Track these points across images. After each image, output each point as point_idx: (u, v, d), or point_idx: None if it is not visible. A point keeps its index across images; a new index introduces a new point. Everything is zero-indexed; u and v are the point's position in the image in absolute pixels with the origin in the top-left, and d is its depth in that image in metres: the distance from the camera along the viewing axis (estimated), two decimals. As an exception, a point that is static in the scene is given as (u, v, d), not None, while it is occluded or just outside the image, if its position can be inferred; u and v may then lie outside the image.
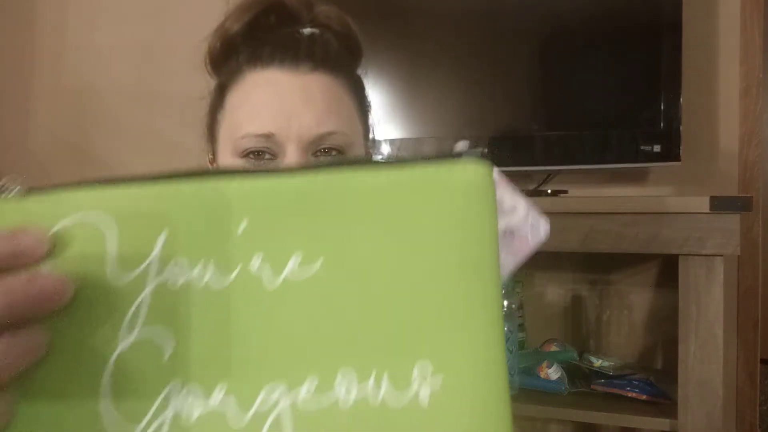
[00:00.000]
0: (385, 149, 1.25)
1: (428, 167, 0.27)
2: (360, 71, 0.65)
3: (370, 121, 0.64)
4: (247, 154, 0.56)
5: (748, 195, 0.99)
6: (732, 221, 0.92)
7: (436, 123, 1.25)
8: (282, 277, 0.27)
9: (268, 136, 0.55)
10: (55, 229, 0.26)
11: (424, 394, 0.26)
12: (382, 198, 0.27)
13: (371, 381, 0.26)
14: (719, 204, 0.92)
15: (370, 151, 0.66)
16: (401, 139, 1.25)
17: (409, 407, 0.26)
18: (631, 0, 1.15)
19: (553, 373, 1.11)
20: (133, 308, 0.26)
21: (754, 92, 1.20)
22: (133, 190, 0.27)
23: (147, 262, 0.26)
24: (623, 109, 1.16)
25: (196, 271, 0.26)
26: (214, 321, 0.26)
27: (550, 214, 1.04)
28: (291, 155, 0.54)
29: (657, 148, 1.11)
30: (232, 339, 0.26)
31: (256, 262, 0.27)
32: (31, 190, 0.26)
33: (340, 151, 0.57)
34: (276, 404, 0.26)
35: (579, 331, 1.29)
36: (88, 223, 0.26)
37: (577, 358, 1.18)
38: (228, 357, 0.26)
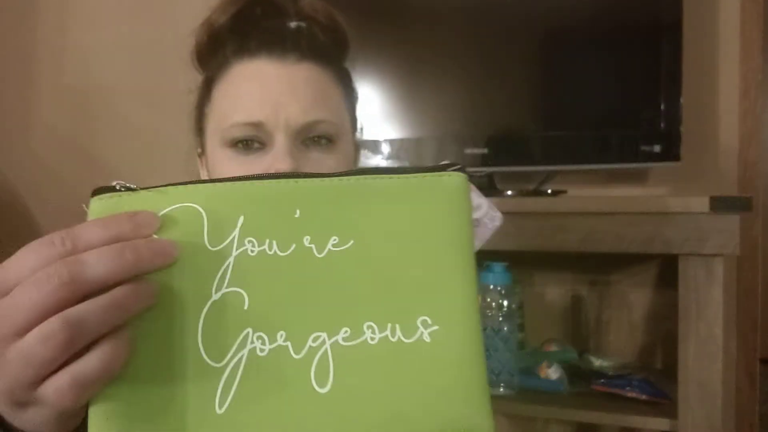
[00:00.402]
0: (385, 149, 1.25)
1: (425, 176, 0.39)
2: (347, 63, 0.65)
3: (358, 112, 0.65)
4: (236, 143, 0.56)
5: (748, 195, 0.99)
6: (732, 221, 0.92)
7: (436, 123, 1.25)
8: (326, 249, 0.37)
9: (257, 125, 0.55)
10: (162, 212, 0.35)
11: (426, 336, 0.36)
12: (394, 196, 0.38)
13: (388, 330, 0.36)
14: (719, 204, 0.92)
15: (358, 141, 0.66)
16: (401, 139, 1.25)
17: (417, 342, 0.36)
18: (631, 0, 1.16)
19: (553, 373, 1.11)
20: (221, 271, 0.35)
21: (754, 92, 1.20)
22: (219, 186, 0.37)
23: (230, 237, 0.36)
24: (623, 109, 1.16)
25: (265, 246, 0.36)
26: (279, 281, 0.36)
27: (550, 215, 1.04)
28: (279, 144, 0.55)
29: (657, 148, 1.11)
30: (290, 297, 0.36)
31: (306, 241, 0.37)
32: (139, 188, 0.35)
33: (329, 140, 0.57)
34: (320, 347, 0.35)
35: (579, 331, 1.29)
36: (187, 210, 0.35)
37: (577, 358, 1.18)
38: (286, 312, 0.36)
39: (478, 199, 0.43)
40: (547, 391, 1.10)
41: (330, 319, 0.36)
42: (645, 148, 1.12)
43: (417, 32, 1.27)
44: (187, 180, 0.37)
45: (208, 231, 0.35)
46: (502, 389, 1.08)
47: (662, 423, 0.98)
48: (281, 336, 0.35)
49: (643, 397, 1.04)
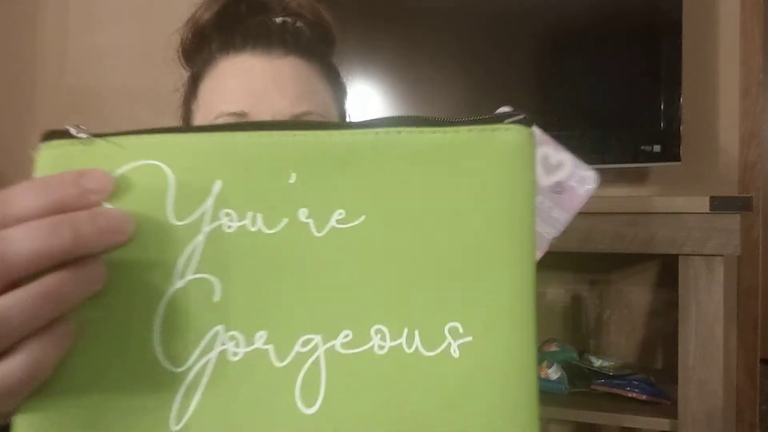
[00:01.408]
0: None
1: (470, 130, 0.28)
2: (335, 59, 0.65)
3: (346, 108, 0.64)
4: None
5: (748, 195, 0.99)
6: (732, 221, 0.92)
7: (436, 123, 1.25)
8: (329, 226, 0.28)
9: (241, 116, 0.55)
10: (118, 172, 0.27)
11: (455, 349, 0.27)
12: (424, 159, 0.28)
13: (404, 337, 0.28)
14: (719, 204, 0.92)
15: None
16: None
17: (441, 356, 0.27)
18: (631, 0, 1.16)
19: (553, 373, 1.11)
20: (187, 252, 0.27)
21: (754, 92, 1.20)
22: (192, 139, 0.28)
23: (202, 208, 0.28)
24: (623, 109, 1.16)
25: (246, 222, 0.28)
26: (262, 266, 0.28)
27: (550, 214, 1.04)
28: None
29: (657, 148, 1.11)
30: (276, 288, 0.28)
31: (302, 216, 0.28)
32: (95, 135, 0.28)
33: None
34: (311, 355, 0.27)
35: (579, 331, 1.29)
36: (148, 170, 0.28)
37: (577, 358, 1.18)
38: (269, 306, 0.28)
39: (557, 154, 0.33)
40: (547, 391, 1.10)
41: (326, 319, 0.28)
42: (645, 148, 1.12)
43: (417, 32, 1.27)
44: (155, 128, 0.29)
45: (174, 199, 0.27)
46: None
47: (662, 423, 0.98)
48: (261, 337, 0.27)
49: (643, 397, 1.04)
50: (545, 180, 0.35)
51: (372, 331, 0.28)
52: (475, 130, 0.28)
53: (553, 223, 0.37)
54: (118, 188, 0.27)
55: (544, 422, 1.29)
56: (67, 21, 1.64)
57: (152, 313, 0.27)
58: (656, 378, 1.10)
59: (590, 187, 0.33)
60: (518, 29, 1.22)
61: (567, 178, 0.33)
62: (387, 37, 1.27)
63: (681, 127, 1.10)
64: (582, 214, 1.05)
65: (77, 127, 0.28)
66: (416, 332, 0.28)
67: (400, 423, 0.27)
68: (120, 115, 1.56)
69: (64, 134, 0.28)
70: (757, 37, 1.19)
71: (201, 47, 0.61)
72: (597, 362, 1.15)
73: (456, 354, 0.27)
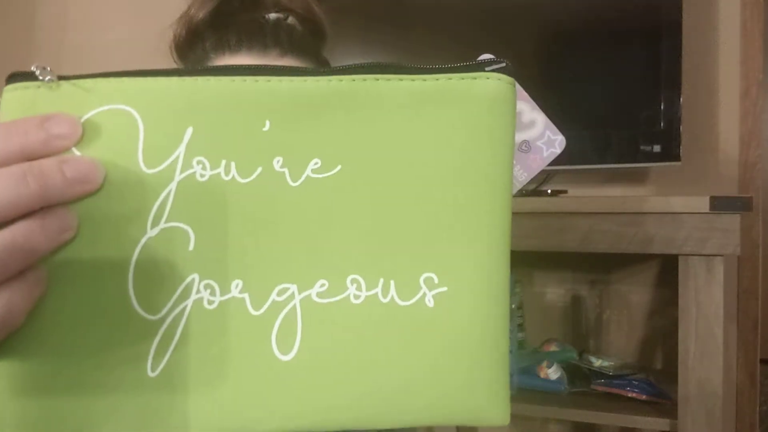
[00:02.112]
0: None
1: (450, 78, 0.28)
2: (326, 54, 0.65)
3: None
4: None
5: (748, 195, 0.99)
6: (732, 221, 0.92)
7: (436, 123, 1.25)
8: (304, 175, 0.28)
9: None
10: (85, 117, 0.26)
11: (429, 298, 0.28)
12: (403, 107, 0.28)
13: (379, 287, 0.28)
14: (719, 204, 0.92)
15: None
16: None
17: (416, 306, 0.28)
18: (631, 0, 1.15)
19: (553, 373, 1.11)
20: (159, 200, 0.27)
21: (754, 92, 1.20)
22: (162, 83, 0.27)
23: (174, 155, 0.27)
24: (623, 109, 1.16)
25: (219, 170, 0.27)
26: (237, 215, 0.27)
27: (550, 215, 1.04)
28: None
29: (657, 148, 1.11)
30: (251, 237, 0.27)
31: (276, 164, 0.28)
32: (61, 78, 0.27)
33: None
34: (287, 304, 0.27)
35: (579, 331, 1.29)
36: (117, 115, 0.27)
37: (577, 358, 1.18)
38: (245, 255, 0.27)
39: (530, 113, 0.33)
40: (547, 391, 1.10)
41: (302, 268, 0.28)
42: (645, 148, 1.12)
43: (417, 32, 1.27)
44: (123, 71, 0.27)
45: (144, 146, 0.27)
46: (502, 389, 1.08)
47: (662, 423, 0.98)
48: (236, 286, 0.27)
49: (643, 397, 1.04)
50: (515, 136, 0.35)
51: (348, 280, 0.28)
52: (455, 77, 0.28)
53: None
54: (85, 133, 0.26)
55: (544, 422, 1.29)
56: (65, 19, 1.64)
57: (126, 261, 0.27)
58: (656, 378, 1.10)
59: (556, 150, 0.33)
60: (518, 29, 1.22)
61: (536, 138, 0.32)
62: (387, 37, 1.27)
63: (681, 127, 1.10)
64: (582, 214, 1.05)
65: (43, 68, 0.27)
66: (392, 282, 0.28)
67: (375, 370, 0.27)
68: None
69: (30, 76, 0.27)
70: (757, 37, 1.19)
71: (194, 45, 0.61)
72: (597, 362, 1.14)
73: (431, 304, 0.28)
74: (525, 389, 1.10)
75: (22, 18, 1.66)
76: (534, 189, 1.24)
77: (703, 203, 0.93)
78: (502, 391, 0.28)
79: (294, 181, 0.28)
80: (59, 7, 1.64)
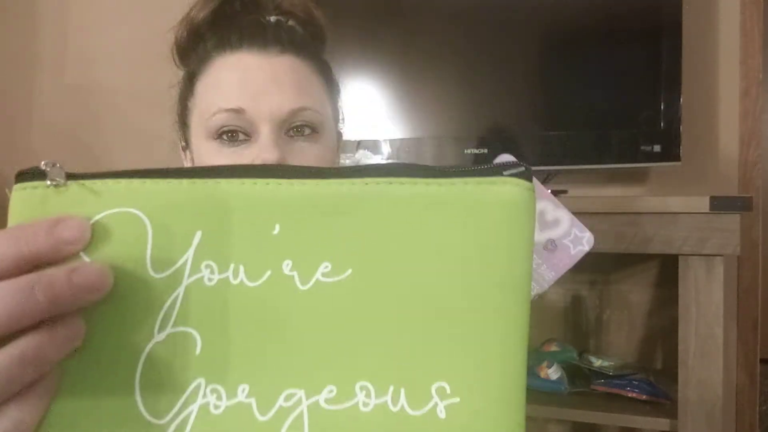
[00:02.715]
0: (385, 149, 1.25)
1: (466, 183, 0.27)
2: (327, 56, 0.65)
3: (340, 104, 0.65)
4: (220, 134, 0.56)
5: (748, 195, 0.99)
6: (732, 221, 0.92)
7: (436, 123, 1.25)
8: (314, 279, 0.27)
9: (239, 112, 0.55)
10: (94, 220, 0.26)
11: (441, 409, 0.27)
12: (415, 212, 0.27)
13: (389, 395, 0.27)
14: (719, 204, 0.92)
15: (341, 133, 0.67)
16: (401, 139, 1.25)
17: (427, 416, 0.27)
18: (631, 0, 1.15)
19: (553, 373, 1.11)
20: (167, 304, 0.27)
21: (754, 92, 1.20)
22: (172, 185, 0.27)
23: (182, 260, 0.27)
24: (623, 109, 1.16)
25: (228, 274, 0.27)
26: (244, 319, 0.27)
27: (550, 214, 1.04)
28: (264, 135, 0.55)
29: (657, 148, 1.11)
30: (258, 341, 0.27)
31: (286, 268, 0.27)
32: (69, 176, 0.27)
33: (312, 129, 0.57)
34: (294, 409, 0.27)
35: (579, 331, 1.29)
36: (126, 218, 0.27)
37: (577, 358, 1.18)
38: (252, 360, 0.27)
39: (554, 211, 0.32)
40: (547, 391, 1.10)
41: (310, 374, 0.27)
42: (645, 148, 1.12)
43: (417, 32, 1.27)
44: (132, 170, 0.27)
45: (152, 250, 0.27)
46: (502, 389, 1.08)
47: (662, 423, 0.98)
48: (243, 391, 0.27)
49: (643, 397, 1.04)
50: (539, 236, 0.34)
51: (357, 387, 0.27)
52: (471, 182, 0.27)
53: (538, 280, 0.35)
54: (94, 236, 0.26)
55: (544, 422, 1.29)
56: (67, 21, 1.64)
57: (133, 365, 0.27)
58: (656, 378, 1.10)
59: (584, 248, 0.32)
60: (518, 29, 1.22)
61: (562, 236, 0.31)
62: (387, 37, 1.27)
63: (681, 127, 1.11)
64: (582, 214, 1.05)
65: (52, 165, 0.27)
66: (402, 390, 0.27)
67: None
68: (120, 115, 1.56)
69: (39, 174, 0.27)
70: (757, 37, 1.19)
71: (196, 45, 0.61)
72: (597, 362, 1.14)
73: (442, 415, 0.26)
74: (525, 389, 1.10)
75: (23, 22, 1.66)
76: (534, 189, 1.24)
77: (703, 203, 0.93)
78: None
79: (303, 284, 0.27)
80: (60, 11, 1.64)
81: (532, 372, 1.12)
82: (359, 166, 0.28)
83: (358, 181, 0.27)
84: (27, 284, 0.24)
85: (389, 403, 0.27)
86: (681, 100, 1.11)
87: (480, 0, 1.23)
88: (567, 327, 1.30)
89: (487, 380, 0.27)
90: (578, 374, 1.13)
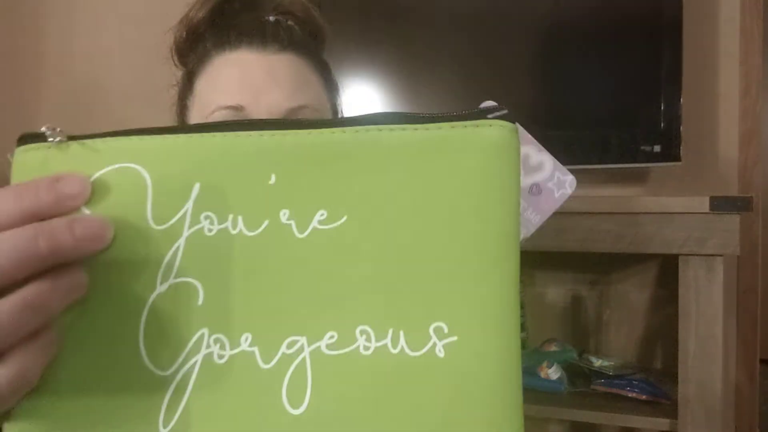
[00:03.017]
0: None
1: (453, 126, 0.28)
2: (326, 55, 0.65)
3: (339, 103, 0.65)
4: None
5: (748, 195, 0.99)
6: (732, 221, 0.92)
7: (436, 123, 1.25)
8: (311, 227, 0.28)
9: (238, 109, 0.55)
10: (94, 176, 0.27)
11: (440, 348, 0.27)
12: (407, 156, 0.28)
13: (389, 337, 0.28)
14: (719, 204, 0.92)
15: None
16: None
17: (426, 356, 0.27)
18: (632, 0, 1.15)
19: (553, 373, 1.11)
20: (168, 255, 0.27)
21: (754, 92, 1.20)
22: (169, 141, 0.28)
23: (182, 211, 0.27)
24: (623, 109, 1.16)
25: (227, 224, 0.28)
26: (245, 268, 0.28)
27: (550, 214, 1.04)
28: None
29: (657, 148, 1.11)
30: (259, 290, 0.28)
31: (283, 217, 0.28)
32: (70, 138, 0.28)
33: None
34: (297, 356, 0.27)
35: (579, 331, 1.29)
36: (126, 173, 0.27)
37: (577, 358, 1.18)
38: (254, 308, 0.28)
39: (538, 155, 0.33)
40: (547, 391, 1.10)
41: (311, 320, 0.28)
42: (645, 148, 1.12)
43: (417, 32, 1.27)
44: (130, 129, 0.29)
45: (152, 203, 0.27)
46: (502, 389, 1.08)
47: (662, 423, 0.98)
48: (246, 339, 0.27)
49: (643, 397, 1.04)
50: (523, 180, 0.35)
51: (357, 331, 0.28)
52: (458, 126, 0.28)
53: (525, 224, 0.36)
54: (95, 192, 0.27)
55: (544, 422, 1.29)
56: (72, 21, 1.64)
57: (137, 317, 0.27)
58: (656, 378, 1.10)
59: (567, 191, 0.33)
60: (518, 29, 1.22)
61: (545, 179, 0.32)
62: (386, 37, 1.27)
63: (681, 127, 1.10)
64: (582, 214, 1.05)
65: (53, 129, 0.28)
66: (401, 332, 0.28)
67: (387, 423, 0.27)
68: (123, 115, 1.56)
69: (40, 137, 0.28)
70: (757, 37, 1.19)
71: (195, 44, 0.61)
72: (597, 362, 1.14)
73: (441, 354, 0.27)
74: (525, 389, 1.08)
75: (28, 25, 1.66)
76: (534, 189, 1.24)
77: (702, 203, 0.93)
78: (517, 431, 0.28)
79: (301, 233, 0.28)
80: (65, 9, 1.64)
81: (532, 372, 1.12)
82: (349, 116, 0.29)
83: (349, 130, 0.28)
84: (30, 233, 0.24)
85: (389, 345, 0.27)
86: (681, 100, 1.11)
87: (480, 0, 1.23)
88: (567, 327, 1.30)
89: (483, 317, 0.28)
90: (578, 374, 1.13)
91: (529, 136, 0.32)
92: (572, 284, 1.31)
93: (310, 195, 0.28)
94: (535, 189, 0.32)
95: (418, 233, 0.28)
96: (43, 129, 0.28)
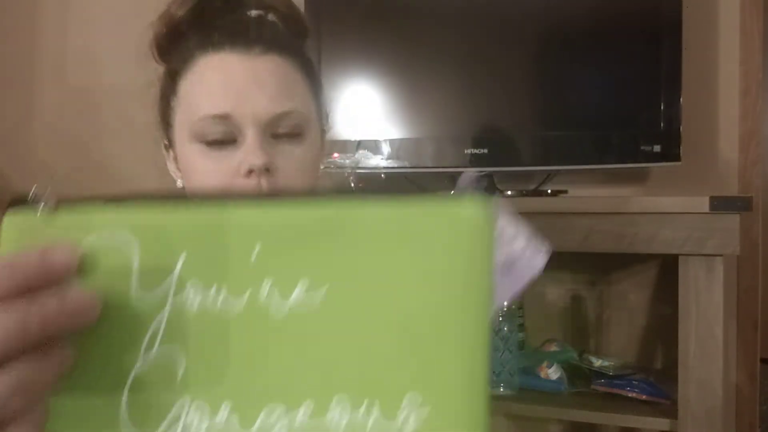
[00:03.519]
0: (385, 149, 1.25)
1: (431, 203, 0.29)
2: (308, 52, 0.65)
3: (323, 100, 0.65)
4: (209, 145, 0.56)
5: (748, 195, 0.99)
6: (732, 221, 0.93)
7: (436, 123, 1.25)
8: (288, 305, 0.29)
9: (224, 117, 0.55)
10: (83, 244, 0.28)
11: (412, 422, 0.29)
12: (385, 231, 0.29)
13: (363, 408, 0.29)
14: (719, 204, 0.92)
15: (326, 130, 0.66)
16: (401, 139, 1.25)
17: (400, 426, 0.29)
18: (631, 0, 1.16)
19: (553, 373, 1.11)
20: (153, 325, 0.28)
21: (754, 92, 1.20)
22: (157, 211, 0.29)
23: (167, 282, 0.28)
24: (623, 109, 1.16)
25: (211, 294, 0.28)
26: (224, 344, 0.29)
27: (550, 215, 1.04)
28: (251, 138, 0.55)
29: (657, 148, 1.11)
30: (239, 362, 0.29)
31: (266, 288, 0.29)
32: (59, 202, 0.28)
33: (298, 132, 0.57)
34: (274, 424, 0.29)
35: (579, 331, 1.29)
36: (114, 242, 0.28)
37: (577, 358, 1.18)
38: (233, 379, 0.29)
39: (514, 228, 0.34)
40: (547, 391, 1.10)
41: (290, 389, 0.29)
42: (645, 148, 1.12)
43: (417, 32, 1.27)
44: (120, 193, 0.29)
45: (140, 271, 0.28)
46: (502, 389, 1.08)
47: (662, 423, 0.98)
48: (226, 408, 0.28)
49: (643, 397, 1.04)
50: (498, 253, 0.36)
51: (333, 401, 0.29)
52: (435, 204, 0.29)
53: (499, 296, 0.37)
54: (83, 260, 0.27)
55: (544, 422, 1.29)
56: (67, 21, 1.64)
57: (120, 386, 0.28)
58: (656, 378, 1.10)
59: (539, 264, 0.34)
60: (518, 29, 1.22)
61: (521, 249, 0.33)
62: (386, 37, 1.27)
63: (681, 127, 1.11)
64: (582, 214, 1.05)
65: (44, 190, 0.28)
66: (376, 402, 0.29)
67: None
68: (121, 115, 1.56)
69: (30, 201, 0.28)
70: (757, 37, 1.19)
71: (177, 43, 0.61)
72: (597, 362, 1.15)
73: (413, 424, 0.29)
74: (525, 389, 1.10)
75: (23, 22, 1.66)
76: (534, 189, 1.24)
77: (702, 203, 0.93)
78: None
79: (283, 301, 0.29)
80: (60, 9, 1.64)
81: (532, 372, 1.13)
82: (332, 193, 0.30)
83: (331, 206, 0.29)
84: (21, 315, 0.25)
85: (363, 415, 0.29)
86: (681, 100, 1.11)
87: (480, 0, 1.23)
88: (567, 327, 1.30)
89: (455, 387, 0.29)
90: (578, 374, 1.13)
91: (508, 207, 0.33)
92: (572, 284, 1.31)
93: (293, 265, 0.29)
94: (509, 262, 0.33)
95: (396, 306, 0.29)
96: (33, 191, 0.28)
